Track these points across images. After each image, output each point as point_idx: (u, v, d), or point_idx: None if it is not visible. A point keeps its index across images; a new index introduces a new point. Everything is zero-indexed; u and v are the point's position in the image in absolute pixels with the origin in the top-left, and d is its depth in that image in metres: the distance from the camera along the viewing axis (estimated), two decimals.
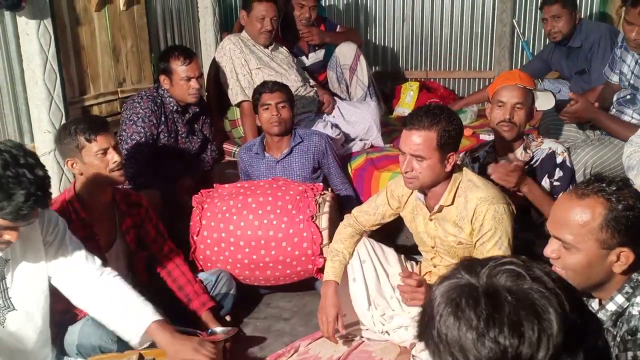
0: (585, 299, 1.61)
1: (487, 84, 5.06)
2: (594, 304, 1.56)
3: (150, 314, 2.03)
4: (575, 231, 1.44)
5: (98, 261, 2.10)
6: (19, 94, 2.83)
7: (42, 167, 1.70)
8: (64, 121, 2.90)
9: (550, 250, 1.51)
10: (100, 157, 2.29)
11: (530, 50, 4.82)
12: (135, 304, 2.05)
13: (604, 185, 1.45)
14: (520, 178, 2.33)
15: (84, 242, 2.18)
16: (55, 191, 2.79)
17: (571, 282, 1.50)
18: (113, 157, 2.31)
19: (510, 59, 5.01)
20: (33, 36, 2.75)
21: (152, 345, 2.07)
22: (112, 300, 2.05)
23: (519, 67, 4.54)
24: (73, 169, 2.34)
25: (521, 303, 0.80)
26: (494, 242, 2.13)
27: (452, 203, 2.20)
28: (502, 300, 0.81)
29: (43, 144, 2.85)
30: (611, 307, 1.50)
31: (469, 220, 2.17)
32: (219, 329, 2.43)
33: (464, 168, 2.29)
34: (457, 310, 0.81)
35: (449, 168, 2.16)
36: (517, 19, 4.89)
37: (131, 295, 2.08)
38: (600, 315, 1.53)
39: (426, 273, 2.46)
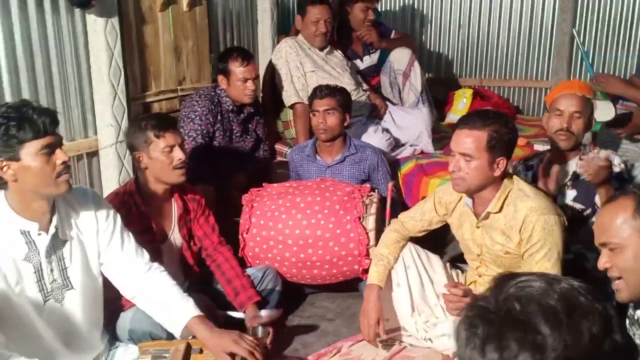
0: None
1: (543, 94, 4.99)
2: None
3: (191, 309, 2.07)
4: (613, 228, 1.48)
5: (147, 256, 2.15)
6: (84, 88, 2.96)
7: None
8: (126, 116, 3.02)
9: (603, 262, 1.51)
10: (166, 154, 2.36)
11: (590, 61, 4.70)
12: (177, 299, 2.09)
13: (632, 187, 1.55)
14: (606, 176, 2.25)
15: (141, 235, 2.26)
16: (114, 184, 2.94)
17: (632, 288, 1.49)
18: (178, 155, 2.38)
19: (569, 69, 4.90)
20: (100, 33, 2.88)
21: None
22: (155, 294, 2.10)
23: (577, 77, 4.45)
24: (140, 163, 2.42)
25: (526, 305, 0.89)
26: (542, 254, 2.09)
27: (500, 210, 2.18)
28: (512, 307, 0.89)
29: (105, 137, 2.98)
30: None
31: (518, 229, 2.14)
32: (263, 312, 2.44)
33: (515, 177, 2.26)
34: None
35: (497, 173, 2.13)
36: (577, 28, 4.78)
37: (174, 290, 2.12)
38: None
39: (471, 282, 2.45)
